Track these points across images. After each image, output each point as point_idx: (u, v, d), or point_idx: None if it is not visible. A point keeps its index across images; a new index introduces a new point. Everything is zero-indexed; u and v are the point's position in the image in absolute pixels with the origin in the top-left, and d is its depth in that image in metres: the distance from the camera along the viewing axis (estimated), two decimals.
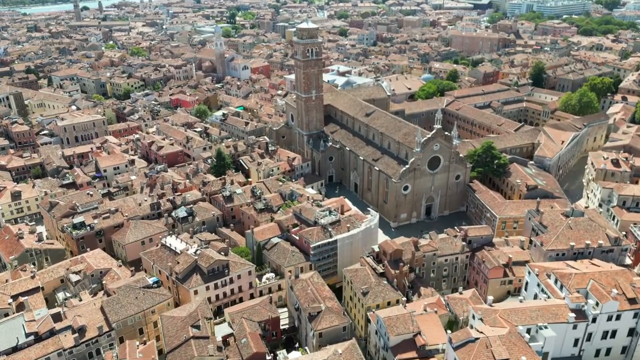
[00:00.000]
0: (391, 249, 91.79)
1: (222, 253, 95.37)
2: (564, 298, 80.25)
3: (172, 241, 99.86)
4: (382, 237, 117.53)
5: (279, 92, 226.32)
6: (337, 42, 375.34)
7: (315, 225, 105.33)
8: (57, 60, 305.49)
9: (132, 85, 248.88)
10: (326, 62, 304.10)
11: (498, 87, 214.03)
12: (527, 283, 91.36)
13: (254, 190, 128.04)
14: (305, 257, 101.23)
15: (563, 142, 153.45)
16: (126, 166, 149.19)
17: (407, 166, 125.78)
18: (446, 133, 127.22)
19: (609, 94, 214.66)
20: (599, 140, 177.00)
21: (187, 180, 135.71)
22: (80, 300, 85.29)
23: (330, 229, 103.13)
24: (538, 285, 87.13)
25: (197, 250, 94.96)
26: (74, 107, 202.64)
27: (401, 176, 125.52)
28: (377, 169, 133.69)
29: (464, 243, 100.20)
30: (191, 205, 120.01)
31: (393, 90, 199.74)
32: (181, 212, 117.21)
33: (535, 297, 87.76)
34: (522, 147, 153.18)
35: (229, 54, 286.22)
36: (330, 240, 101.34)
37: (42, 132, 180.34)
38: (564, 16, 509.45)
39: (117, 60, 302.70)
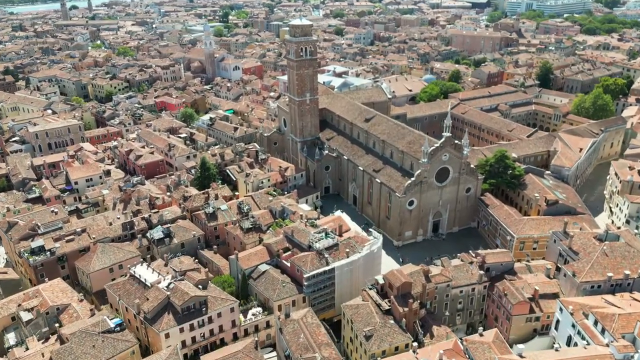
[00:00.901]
0: (399, 282, 78.01)
1: (200, 287, 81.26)
2: (607, 345, 66.75)
3: (142, 271, 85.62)
4: (385, 258, 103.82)
5: (272, 94, 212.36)
6: (332, 41, 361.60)
7: (309, 250, 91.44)
8: (38, 61, 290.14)
9: (115, 87, 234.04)
10: (321, 62, 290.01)
11: (505, 88, 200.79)
12: (558, 321, 77.85)
13: (241, 206, 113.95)
14: (298, 288, 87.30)
15: (581, 149, 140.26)
16: (100, 177, 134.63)
17: (412, 179, 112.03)
18: (456, 142, 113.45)
19: (621, 96, 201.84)
20: (616, 146, 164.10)
21: (166, 195, 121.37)
22: (27, 349, 70.93)
23: (326, 255, 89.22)
24: (573, 326, 73.63)
25: (170, 283, 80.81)
26: (49, 111, 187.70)
27: (406, 190, 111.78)
28: (379, 181, 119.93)
29: (481, 272, 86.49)
30: (169, 225, 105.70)
31: (393, 92, 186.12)
32: (157, 233, 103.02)
33: (570, 340, 74.27)
34: (536, 155, 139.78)
35: (219, 53, 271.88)
36: (327, 268, 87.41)
37: (13, 139, 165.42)
38: (565, 15, 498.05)
39: (101, 60, 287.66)
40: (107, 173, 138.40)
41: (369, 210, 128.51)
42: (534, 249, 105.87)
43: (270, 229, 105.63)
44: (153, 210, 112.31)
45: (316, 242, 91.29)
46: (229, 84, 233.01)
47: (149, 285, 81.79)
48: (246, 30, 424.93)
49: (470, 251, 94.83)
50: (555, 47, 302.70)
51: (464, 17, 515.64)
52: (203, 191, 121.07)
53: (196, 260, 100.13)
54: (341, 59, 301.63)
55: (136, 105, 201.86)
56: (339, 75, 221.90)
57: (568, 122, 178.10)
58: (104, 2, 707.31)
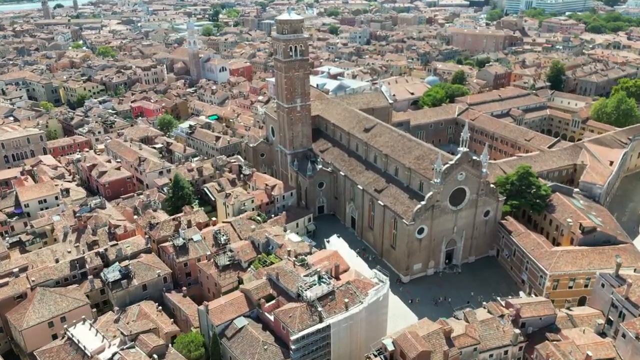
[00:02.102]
0: (414, 352, 59.63)
1: (156, 356, 62.42)
2: None
3: (83, 333, 66.76)
4: (390, 298, 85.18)
5: (261, 97, 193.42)
6: (327, 40, 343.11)
7: (298, 300, 72.89)
8: (10, 62, 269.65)
9: (89, 90, 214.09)
10: (315, 62, 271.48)
11: (516, 91, 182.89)
12: None
13: (217, 236, 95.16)
14: (284, 351, 68.68)
15: (612, 162, 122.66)
16: (57, 198, 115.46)
17: (422, 203, 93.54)
18: (474, 158, 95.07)
19: None
20: None
21: (131, 222, 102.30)
22: None
23: (319, 308, 70.62)
24: None
25: (115, 354, 61.91)
26: (10, 119, 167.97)
27: (415, 216, 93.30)
28: (382, 203, 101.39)
29: (516, 330, 68.18)
30: (128, 263, 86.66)
31: (394, 95, 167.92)
32: (112, 273, 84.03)
33: None
34: (561, 170, 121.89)
35: (205, 53, 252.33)
36: (321, 326, 68.79)
37: None
38: (567, 13, 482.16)
39: (78, 61, 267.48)
40: (66, 192, 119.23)
41: (370, 237, 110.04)
42: (570, 287, 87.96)
43: (252, 266, 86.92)
44: (111, 243, 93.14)
45: (307, 289, 72.66)
46: (214, 87, 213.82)
47: (89, 354, 62.79)
48: (236, 29, 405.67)
49: (498, 298, 76.41)
50: (563, 46, 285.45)
51: (463, 15, 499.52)
52: (173, 217, 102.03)
53: (160, 307, 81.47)
54: (336, 59, 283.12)
55: (109, 111, 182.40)
56: (334, 77, 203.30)
57: (588, 129, 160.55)
58: (90, 0, 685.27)
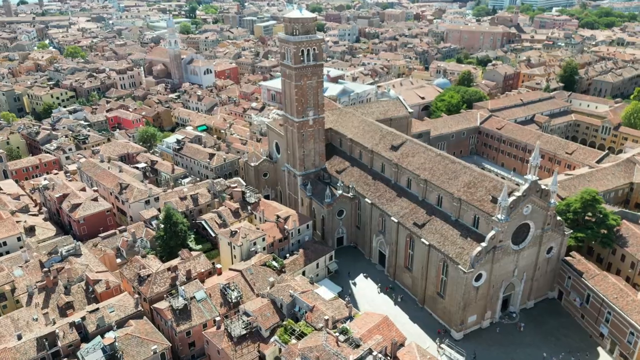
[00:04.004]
0: None
1: None
2: None
3: None
4: None
5: (254, 104, 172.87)
6: None
7: None
8: None
9: (57, 98, 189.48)
10: None
11: (538, 94, 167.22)
12: None
13: (227, 292, 75.41)
14: None
15: None
16: (19, 239, 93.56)
17: (483, 245, 75.58)
18: (543, 186, 77.47)
19: None
20: None
21: (111, 275, 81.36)
22: None
23: None
24: None
25: None
26: None
27: (474, 262, 75.26)
28: (426, 242, 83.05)
29: None
30: (114, 336, 66.15)
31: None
32: (93, 355, 63.44)
33: None
34: (617, 190, 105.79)
35: (187, 54, 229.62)
36: None
37: None
38: (554, 8, 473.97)
39: (44, 63, 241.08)
40: (31, 230, 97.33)
41: (407, 279, 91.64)
42: None
43: (276, 336, 67.45)
44: (91, 307, 72.27)
45: None
46: (199, 92, 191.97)
47: None
48: (216, 27, 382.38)
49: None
50: (566, 43, 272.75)
51: (449, 11, 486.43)
52: (168, 266, 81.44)
53: None
54: (328, 59, 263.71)
55: (81, 122, 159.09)
56: (335, 80, 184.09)
57: (621, 137, 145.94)
58: None
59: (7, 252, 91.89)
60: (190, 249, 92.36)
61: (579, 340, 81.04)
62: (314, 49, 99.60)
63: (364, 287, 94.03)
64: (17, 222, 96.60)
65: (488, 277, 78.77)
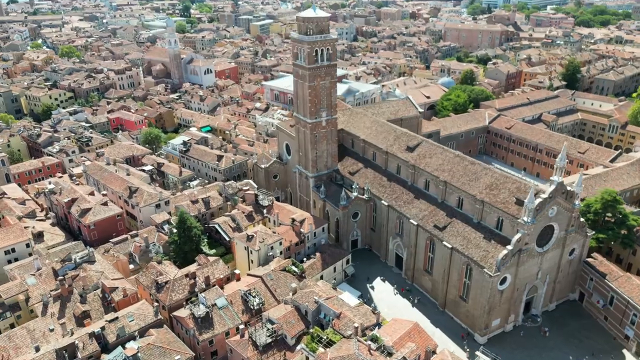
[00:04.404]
0: None
1: None
2: None
3: None
4: None
5: (258, 104, 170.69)
6: None
7: None
8: None
9: (55, 99, 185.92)
10: None
11: (544, 93, 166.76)
12: None
13: (248, 299, 73.64)
14: None
15: None
16: (28, 246, 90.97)
17: (509, 248, 74.45)
18: (569, 188, 76.49)
19: None
20: None
21: (128, 283, 79.16)
22: None
23: None
24: None
25: None
26: None
27: (500, 265, 74.10)
28: (449, 245, 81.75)
29: None
30: (137, 347, 64.12)
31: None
32: None
33: None
34: (632, 190, 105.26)
35: (186, 53, 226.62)
36: None
37: None
38: (548, 6, 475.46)
39: (40, 63, 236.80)
40: (39, 236, 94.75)
41: (426, 282, 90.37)
42: None
43: (303, 344, 65.78)
44: (110, 316, 70.11)
45: None
46: (201, 92, 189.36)
47: None
48: (212, 26, 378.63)
49: None
50: (565, 42, 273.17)
51: (444, 9, 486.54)
52: (185, 272, 79.34)
53: None
54: None
55: (83, 124, 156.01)
56: (338, 79, 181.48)
57: (628, 135, 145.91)
58: None
59: (16, 259, 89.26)
60: (204, 254, 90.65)
61: (602, 343, 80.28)
62: (327, 48, 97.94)
63: (382, 291, 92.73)
64: (25, 227, 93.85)
65: (513, 280, 77.69)
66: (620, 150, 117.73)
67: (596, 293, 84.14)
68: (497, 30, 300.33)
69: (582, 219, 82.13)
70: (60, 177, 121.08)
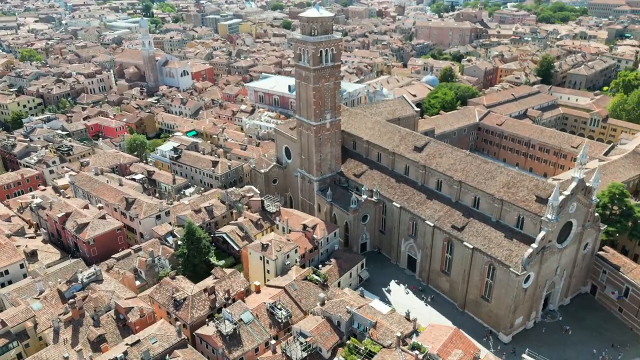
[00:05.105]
0: None
1: None
2: None
3: None
4: None
5: (243, 107, 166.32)
6: (283, 36, 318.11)
7: None
8: None
9: (24, 106, 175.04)
10: (282, 62, 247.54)
11: (527, 89, 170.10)
12: None
13: (274, 311, 70.62)
14: None
15: None
16: (22, 267, 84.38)
17: (534, 246, 74.61)
18: (588, 184, 77.46)
19: None
20: None
21: (143, 302, 74.47)
22: None
23: None
24: None
25: None
26: None
27: (526, 264, 74.17)
28: (470, 246, 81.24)
29: None
30: None
31: None
32: None
33: None
34: (629, 182, 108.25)
35: (161, 55, 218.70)
36: None
37: None
38: (509, 4, 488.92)
39: (1, 68, 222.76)
40: (32, 255, 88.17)
41: (443, 283, 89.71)
42: None
43: (341, 358, 63.49)
44: (130, 339, 65.45)
45: None
46: (181, 95, 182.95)
47: None
48: (178, 26, 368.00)
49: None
50: (532, 38, 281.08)
51: (408, 7, 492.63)
52: (203, 287, 75.37)
53: None
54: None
55: (59, 132, 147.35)
56: None
57: (610, 128, 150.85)
58: None
59: (10, 282, 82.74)
60: (214, 265, 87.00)
61: (620, 334, 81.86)
62: (332, 49, 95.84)
63: (395, 292, 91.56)
64: (17, 247, 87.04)
65: (535, 278, 78.02)
66: (612, 143, 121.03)
67: (610, 285, 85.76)
68: (467, 28, 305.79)
69: (597, 214, 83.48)
70: (44, 189, 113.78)
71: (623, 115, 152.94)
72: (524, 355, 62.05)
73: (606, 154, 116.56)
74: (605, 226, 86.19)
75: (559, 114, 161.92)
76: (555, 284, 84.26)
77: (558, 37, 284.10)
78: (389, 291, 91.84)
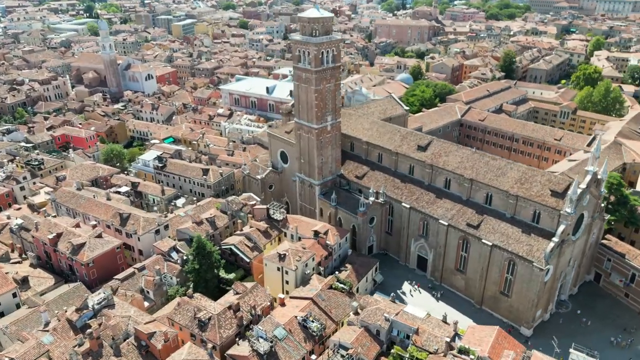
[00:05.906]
0: None
1: None
2: None
3: None
4: None
5: (220, 110, 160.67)
6: (242, 36, 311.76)
7: None
8: None
9: None
10: (248, 62, 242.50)
11: (499, 85, 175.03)
12: None
13: (307, 324, 67.88)
14: None
15: None
16: (14, 296, 76.67)
17: (555, 240, 76.06)
18: (598, 177, 79.95)
19: None
20: None
21: (167, 326, 69.42)
22: None
23: None
24: None
25: None
26: None
27: (548, 257, 75.50)
28: (489, 243, 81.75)
29: None
30: None
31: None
32: None
33: None
34: (614, 171, 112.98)
35: (123, 59, 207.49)
36: None
37: None
38: (456, 1, 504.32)
39: None
40: (24, 282, 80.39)
41: (458, 281, 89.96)
42: None
43: None
44: None
45: None
46: (149, 100, 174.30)
47: None
48: (128, 27, 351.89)
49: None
50: (488, 35, 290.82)
51: (360, 6, 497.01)
52: (227, 304, 71.24)
53: None
54: (268, 58, 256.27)
55: (23, 144, 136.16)
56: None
57: (579, 120, 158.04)
58: None
59: (2, 313, 74.96)
60: (225, 280, 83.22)
61: (629, 319, 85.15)
62: (333, 50, 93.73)
63: (405, 293, 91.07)
64: (6, 274, 78.98)
65: (554, 270, 79.65)
66: (594, 134, 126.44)
67: (615, 272, 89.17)
68: (425, 26, 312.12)
69: (603, 205, 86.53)
70: (19, 208, 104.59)
71: (589, 107, 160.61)
72: (571, 350, 62.82)
73: (589, 145, 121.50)
74: (609, 216, 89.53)
75: (530, 107, 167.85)
76: (566, 275, 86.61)
77: (511, 33, 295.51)
78: (404, 293, 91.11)
